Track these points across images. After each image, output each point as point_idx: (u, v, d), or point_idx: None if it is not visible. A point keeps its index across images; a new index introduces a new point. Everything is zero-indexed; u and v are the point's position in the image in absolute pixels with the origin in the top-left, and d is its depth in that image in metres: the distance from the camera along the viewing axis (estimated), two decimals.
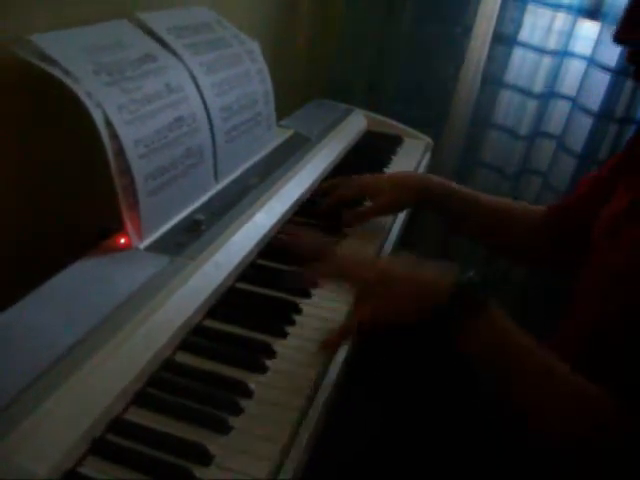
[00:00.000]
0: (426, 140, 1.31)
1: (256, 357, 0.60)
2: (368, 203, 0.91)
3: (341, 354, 0.64)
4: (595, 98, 1.27)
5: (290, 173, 0.93)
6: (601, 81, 1.25)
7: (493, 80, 1.40)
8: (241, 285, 0.71)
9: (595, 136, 1.30)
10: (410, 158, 1.21)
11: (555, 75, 1.35)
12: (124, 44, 0.72)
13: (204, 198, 0.80)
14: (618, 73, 1.22)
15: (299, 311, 0.68)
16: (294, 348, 0.62)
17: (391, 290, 0.59)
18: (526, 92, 1.38)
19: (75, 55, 0.65)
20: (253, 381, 0.57)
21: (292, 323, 0.66)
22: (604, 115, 1.27)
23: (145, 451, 0.48)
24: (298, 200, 0.90)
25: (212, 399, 0.54)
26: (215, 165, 0.83)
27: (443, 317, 0.56)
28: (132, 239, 0.67)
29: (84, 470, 0.46)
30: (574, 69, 1.33)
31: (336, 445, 0.67)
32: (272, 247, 0.76)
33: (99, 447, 0.48)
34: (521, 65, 1.37)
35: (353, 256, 0.64)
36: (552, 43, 1.32)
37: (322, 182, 0.98)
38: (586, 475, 0.55)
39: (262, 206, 0.82)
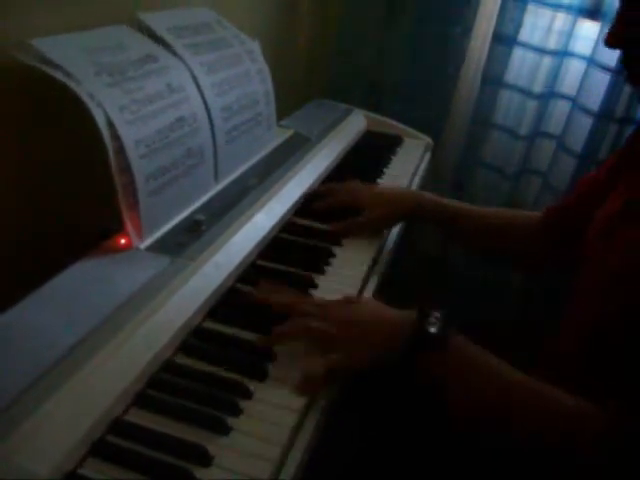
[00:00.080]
0: (426, 140, 1.31)
1: (256, 359, 0.60)
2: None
3: None
4: (595, 98, 1.28)
5: (290, 173, 0.93)
6: (601, 81, 1.26)
7: (493, 80, 1.40)
8: (241, 286, 0.71)
9: (595, 136, 1.30)
10: (410, 158, 1.21)
11: (555, 75, 1.35)
12: (125, 45, 0.72)
13: (204, 198, 0.80)
14: (618, 73, 1.22)
15: None
16: (294, 349, 0.62)
17: (359, 341, 0.60)
18: (526, 92, 1.38)
19: (76, 57, 0.65)
20: (252, 383, 0.57)
21: None
22: (604, 115, 1.27)
23: (145, 452, 0.48)
24: (298, 200, 0.90)
25: (212, 400, 0.54)
26: (215, 165, 0.83)
27: (402, 355, 0.58)
28: (132, 239, 0.67)
29: (84, 471, 0.46)
30: (574, 69, 1.33)
31: (336, 445, 0.67)
32: (238, 302, 0.68)
33: (99, 448, 0.48)
34: (521, 65, 1.37)
35: (321, 307, 0.64)
36: (552, 43, 1.32)
37: (320, 185, 0.97)
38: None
39: (262, 206, 0.82)
